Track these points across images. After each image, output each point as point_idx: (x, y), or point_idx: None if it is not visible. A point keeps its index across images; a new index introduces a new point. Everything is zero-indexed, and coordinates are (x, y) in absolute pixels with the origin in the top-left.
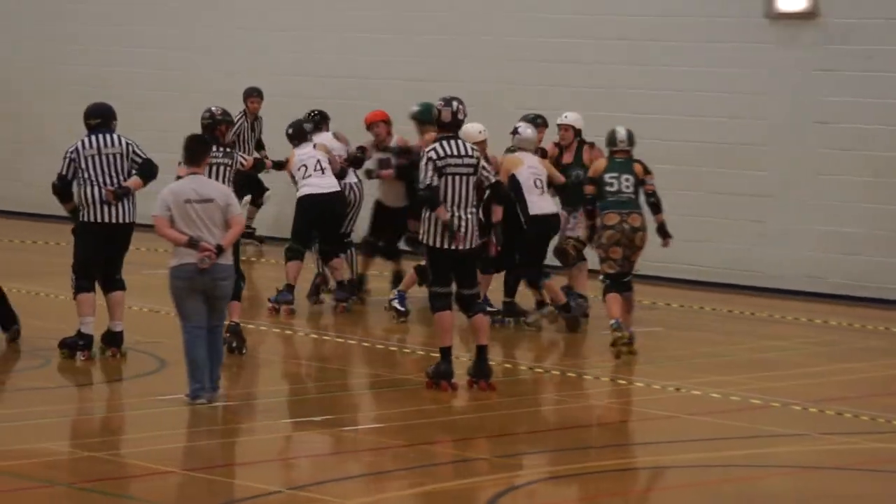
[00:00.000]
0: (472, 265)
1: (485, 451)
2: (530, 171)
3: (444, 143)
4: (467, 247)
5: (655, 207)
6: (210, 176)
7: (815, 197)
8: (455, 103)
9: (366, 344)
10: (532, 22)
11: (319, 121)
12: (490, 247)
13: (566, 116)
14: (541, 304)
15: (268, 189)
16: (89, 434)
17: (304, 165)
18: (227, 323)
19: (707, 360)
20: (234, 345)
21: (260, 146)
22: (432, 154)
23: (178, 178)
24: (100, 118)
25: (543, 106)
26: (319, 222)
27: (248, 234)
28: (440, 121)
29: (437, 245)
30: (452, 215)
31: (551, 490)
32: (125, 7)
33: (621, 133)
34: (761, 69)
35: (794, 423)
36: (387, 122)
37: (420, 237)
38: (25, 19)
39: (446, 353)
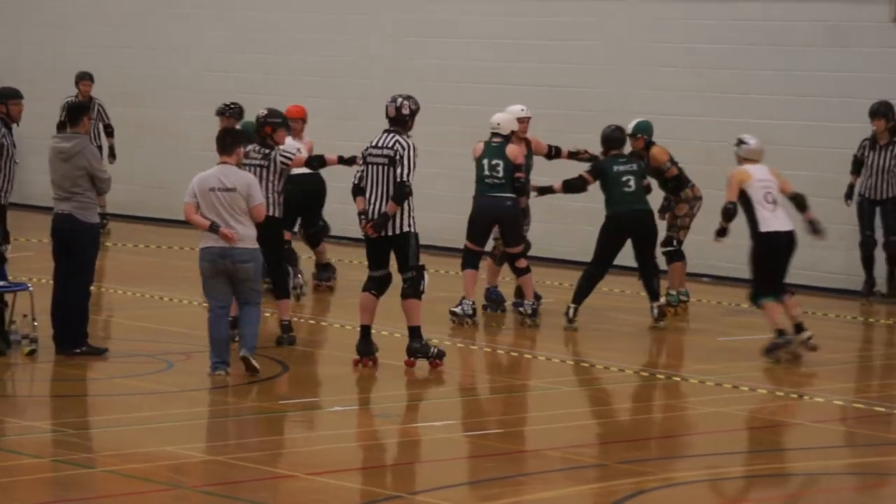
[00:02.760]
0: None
1: (609, 457)
2: (760, 184)
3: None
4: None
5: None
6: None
7: None
8: (399, 99)
9: (487, 349)
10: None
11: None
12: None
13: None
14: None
15: None
16: (214, 438)
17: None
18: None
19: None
20: (286, 343)
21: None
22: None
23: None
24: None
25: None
26: (304, 208)
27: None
28: (387, 115)
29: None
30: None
31: (670, 496)
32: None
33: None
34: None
35: None
36: (304, 119)
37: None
38: (163, 31)
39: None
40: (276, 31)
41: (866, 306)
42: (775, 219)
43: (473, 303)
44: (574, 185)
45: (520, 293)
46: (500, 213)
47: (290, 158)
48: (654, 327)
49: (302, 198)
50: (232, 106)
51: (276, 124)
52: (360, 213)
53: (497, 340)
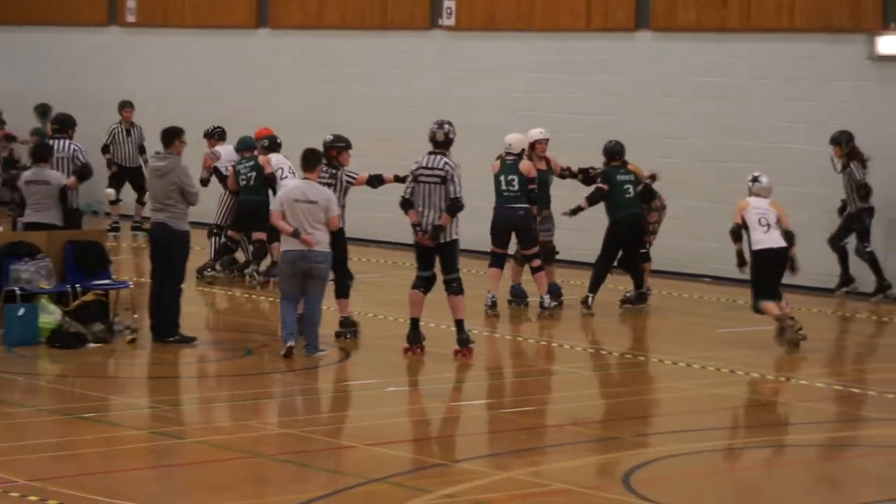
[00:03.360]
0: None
1: (623, 430)
2: (756, 210)
3: (426, 157)
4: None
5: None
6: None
7: None
8: (446, 126)
9: (519, 339)
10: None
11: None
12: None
13: None
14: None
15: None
16: (286, 413)
17: (280, 168)
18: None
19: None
20: (347, 336)
21: (142, 151)
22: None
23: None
24: (58, 125)
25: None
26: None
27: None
28: (433, 139)
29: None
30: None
31: (677, 464)
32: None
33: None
34: None
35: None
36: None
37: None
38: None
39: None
40: (338, 66)
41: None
42: (768, 238)
43: (494, 295)
44: (596, 197)
45: (553, 290)
46: (514, 221)
47: (353, 178)
48: (628, 309)
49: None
50: (217, 129)
51: (341, 147)
52: (414, 225)
53: (521, 330)
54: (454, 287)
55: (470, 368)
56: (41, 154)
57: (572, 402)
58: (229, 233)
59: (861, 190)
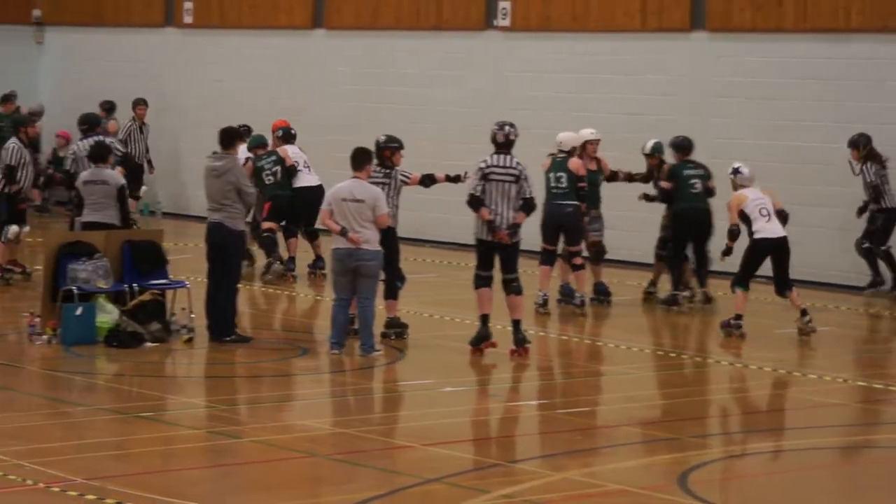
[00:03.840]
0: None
1: (681, 432)
2: (755, 202)
3: (493, 156)
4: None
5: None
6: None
7: None
8: (507, 127)
9: (567, 338)
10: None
11: (246, 132)
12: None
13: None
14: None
15: (145, 186)
16: (341, 413)
17: (296, 161)
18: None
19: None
20: (392, 337)
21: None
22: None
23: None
24: (86, 125)
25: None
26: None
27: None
28: (495, 141)
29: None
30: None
31: (735, 466)
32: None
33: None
34: None
35: None
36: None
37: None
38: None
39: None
40: (392, 66)
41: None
42: (769, 228)
43: (545, 294)
44: (666, 196)
45: (600, 289)
46: (563, 218)
47: (407, 178)
48: (691, 308)
49: (304, 205)
50: (242, 127)
51: (394, 148)
52: (489, 223)
53: (570, 329)
54: (514, 287)
55: (525, 368)
56: (100, 154)
57: (628, 402)
58: (266, 225)
59: (873, 191)
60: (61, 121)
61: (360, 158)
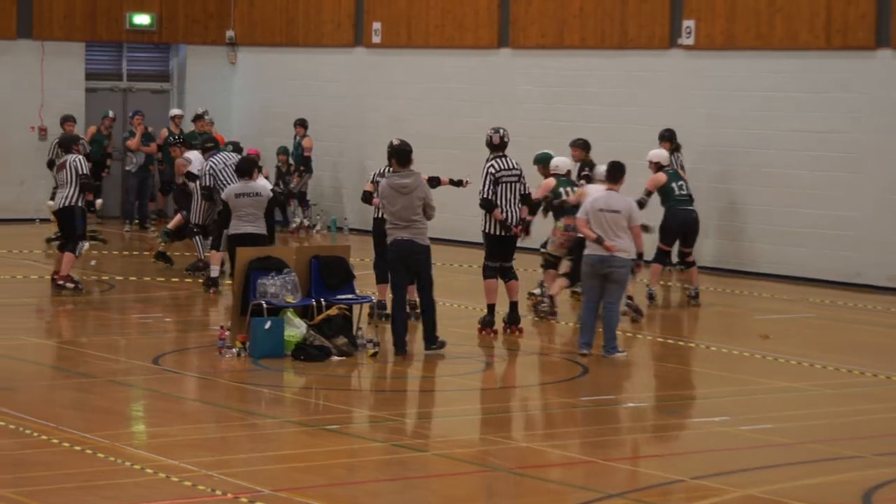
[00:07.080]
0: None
1: (864, 449)
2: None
3: (498, 160)
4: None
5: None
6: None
7: None
8: (501, 130)
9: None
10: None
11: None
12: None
13: None
14: None
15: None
16: (522, 428)
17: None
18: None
19: None
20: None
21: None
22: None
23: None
24: (213, 143)
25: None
26: None
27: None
28: (492, 144)
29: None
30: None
31: None
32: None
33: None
34: None
35: None
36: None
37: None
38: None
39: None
40: (571, 84)
41: None
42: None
43: (652, 290)
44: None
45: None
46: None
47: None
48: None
49: None
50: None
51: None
52: (503, 222)
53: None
54: (512, 273)
55: (699, 386)
56: (246, 169)
57: (808, 420)
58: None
59: None
60: (256, 140)
61: (615, 171)
